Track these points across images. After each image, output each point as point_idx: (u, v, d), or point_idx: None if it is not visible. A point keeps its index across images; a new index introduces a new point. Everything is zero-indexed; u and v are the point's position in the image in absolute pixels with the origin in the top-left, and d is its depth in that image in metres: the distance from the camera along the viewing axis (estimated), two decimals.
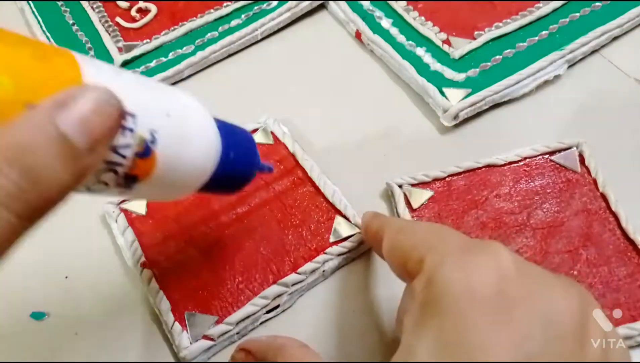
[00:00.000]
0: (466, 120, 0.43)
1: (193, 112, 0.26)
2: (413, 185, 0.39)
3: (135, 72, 0.23)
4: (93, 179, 0.21)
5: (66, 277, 0.37)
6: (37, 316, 0.36)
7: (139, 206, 0.38)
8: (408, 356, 0.23)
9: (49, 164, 0.17)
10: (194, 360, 0.33)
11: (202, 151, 0.26)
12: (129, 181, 0.23)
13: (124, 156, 0.22)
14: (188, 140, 0.25)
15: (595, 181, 0.38)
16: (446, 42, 0.46)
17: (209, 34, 0.49)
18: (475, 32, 0.47)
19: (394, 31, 0.48)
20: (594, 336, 0.22)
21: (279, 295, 0.35)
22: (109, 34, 0.49)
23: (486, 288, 0.22)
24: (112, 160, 0.21)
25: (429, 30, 0.47)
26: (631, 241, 0.36)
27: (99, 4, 0.52)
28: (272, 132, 0.42)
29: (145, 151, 0.22)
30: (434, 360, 0.21)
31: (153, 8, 0.51)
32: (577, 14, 0.47)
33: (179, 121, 0.25)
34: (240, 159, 0.29)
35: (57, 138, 0.18)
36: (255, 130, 0.42)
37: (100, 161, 0.20)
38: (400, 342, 0.24)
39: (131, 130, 0.21)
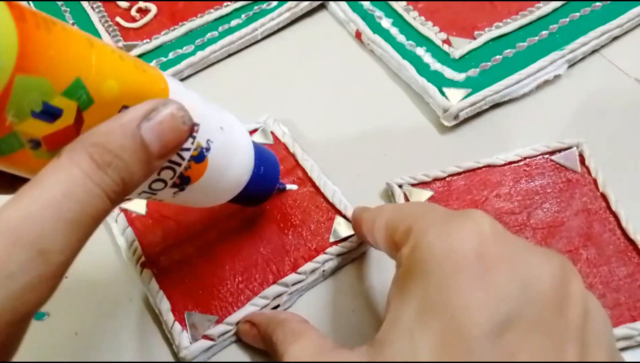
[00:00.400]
0: (466, 120, 0.43)
1: (238, 129, 0.30)
2: (413, 185, 0.39)
3: (194, 91, 0.28)
4: (154, 176, 0.25)
5: (66, 277, 0.37)
6: (37, 316, 0.36)
7: (138, 206, 0.38)
8: (395, 320, 0.24)
9: (133, 166, 0.22)
10: (194, 360, 0.33)
11: (243, 162, 0.30)
12: (183, 182, 0.26)
13: (183, 158, 0.25)
14: (233, 152, 0.29)
15: (595, 181, 0.38)
16: (446, 42, 0.46)
17: (209, 34, 0.49)
18: (475, 32, 0.47)
19: (394, 31, 0.48)
20: (574, 302, 0.23)
21: (279, 295, 0.35)
22: (109, 34, 0.49)
23: (467, 251, 0.23)
24: (173, 160, 0.25)
25: (429, 30, 0.47)
26: (631, 241, 0.36)
27: (99, 4, 0.52)
28: (272, 132, 0.42)
29: (200, 156, 0.26)
30: (419, 322, 0.23)
31: (153, 8, 0.51)
32: (577, 14, 0.47)
33: (229, 135, 0.29)
34: (267, 176, 0.33)
35: (140, 144, 0.22)
36: (255, 130, 0.42)
37: (164, 164, 0.24)
38: (388, 310, 0.25)
39: (194, 137, 0.25)
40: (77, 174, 0.20)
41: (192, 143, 0.25)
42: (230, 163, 0.29)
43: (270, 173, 0.34)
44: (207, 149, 0.26)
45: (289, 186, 0.39)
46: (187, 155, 0.25)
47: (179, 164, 0.25)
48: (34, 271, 0.19)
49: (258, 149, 0.33)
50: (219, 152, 0.27)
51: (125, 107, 0.22)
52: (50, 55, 0.19)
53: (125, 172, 0.21)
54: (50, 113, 0.20)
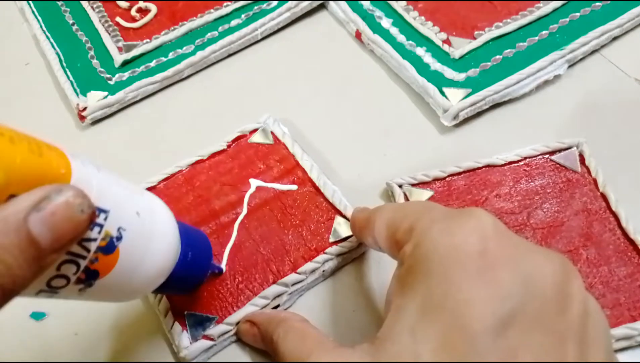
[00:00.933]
0: (466, 120, 0.43)
1: (159, 214, 0.27)
2: (413, 185, 0.39)
3: (110, 171, 0.24)
4: (52, 271, 0.21)
5: None
6: (37, 316, 0.36)
7: None
8: (397, 317, 0.24)
9: (17, 267, 0.19)
10: (194, 360, 0.33)
11: (164, 250, 0.27)
12: (89, 276, 0.23)
13: (88, 250, 0.22)
14: (152, 239, 0.26)
15: (595, 181, 0.38)
16: (446, 42, 0.46)
17: (209, 34, 0.49)
18: (475, 32, 0.47)
19: (394, 31, 0.48)
20: (575, 302, 0.23)
21: (279, 295, 0.35)
22: (109, 34, 0.49)
23: (470, 248, 0.23)
24: (76, 252, 0.22)
25: (429, 30, 0.47)
26: (631, 241, 0.36)
27: (99, 4, 0.52)
28: (272, 132, 0.42)
29: (110, 247, 0.23)
30: (421, 318, 0.23)
31: (153, 8, 0.51)
32: (577, 14, 0.47)
33: (147, 221, 0.25)
34: (196, 260, 0.31)
35: (26, 239, 0.19)
36: (255, 130, 0.42)
37: (62, 257, 0.21)
38: (390, 307, 0.25)
39: (100, 226, 0.22)
40: None
41: (99, 232, 0.22)
42: (148, 252, 0.26)
43: (201, 258, 0.32)
44: (119, 239, 0.23)
45: (283, 186, 0.39)
46: (92, 246, 0.22)
47: (84, 257, 0.22)
48: None
49: (185, 232, 0.30)
50: (134, 240, 0.24)
51: (12, 196, 0.19)
52: None
53: (6, 277, 0.18)
54: None
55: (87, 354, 0.35)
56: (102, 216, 0.22)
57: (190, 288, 0.33)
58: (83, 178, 0.22)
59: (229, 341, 0.34)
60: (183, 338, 0.33)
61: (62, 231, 0.20)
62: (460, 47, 0.46)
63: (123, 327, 0.35)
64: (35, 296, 0.22)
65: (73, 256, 0.22)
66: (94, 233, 0.22)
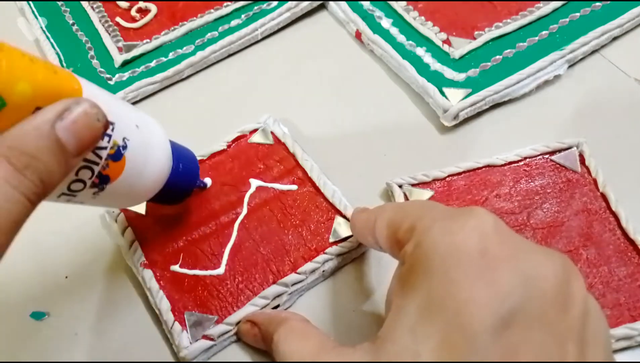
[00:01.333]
0: (466, 120, 0.43)
1: (153, 128, 0.31)
2: (413, 185, 0.39)
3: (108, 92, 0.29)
4: (72, 176, 0.25)
5: (66, 277, 0.38)
6: (37, 316, 0.36)
7: (138, 206, 0.38)
8: (398, 317, 0.24)
9: (51, 166, 0.22)
10: (194, 360, 0.33)
11: (161, 159, 0.31)
12: (102, 181, 0.27)
13: (100, 157, 0.26)
14: (151, 149, 0.30)
15: (595, 181, 0.38)
16: (446, 42, 0.46)
17: (209, 34, 0.49)
18: (475, 32, 0.47)
19: (394, 31, 0.48)
20: (576, 301, 0.23)
21: (279, 295, 0.35)
22: (109, 34, 0.49)
23: (471, 247, 0.23)
24: (90, 159, 0.25)
25: (429, 30, 0.47)
26: (631, 241, 0.36)
27: (99, 4, 0.52)
28: (272, 132, 0.42)
29: (117, 154, 0.27)
30: (422, 317, 0.23)
31: (153, 8, 0.51)
32: (577, 14, 0.47)
33: (145, 133, 0.29)
34: (186, 172, 0.34)
35: (56, 143, 0.22)
36: (255, 130, 0.42)
37: (80, 163, 0.25)
38: (391, 307, 0.25)
39: (109, 136, 0.26)
40: None
41: (109, 142, 0.26)
42: (148, 160, 0.30)
43: (190, 170, 0.35)
44: (124, 147, 0.27)
45: (283, 186, 0.39)
46: (104, 154, 0.26)
47: (97, 164, 0.26)
48: None
49: (175, 146, 0.33)
50: (136, 149, 0.28)
51: (38, 108, 0.22)
52: None
53: (44, 173, 0.22)
54: None
55: (87, 354, 0.35)
56: (110, 127, 0.26)
57: (180, 197, 0.35)
58: (91, 93, 0.25)
59: (228, 341, 0.34)
60: (183, 338, 0.33)
61: (83, 137, 0.23)
62: (460, 47, 0.46)
63: (123, 327, 0.35)
64: (57, 200, 0.26)
65: (88, 163, 0.25)
66: (104, 142, 0.26)
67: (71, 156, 0.23)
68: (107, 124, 0.25)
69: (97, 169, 0.26)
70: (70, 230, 0.39)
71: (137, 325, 0.36)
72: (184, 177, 0.34)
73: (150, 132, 0.30)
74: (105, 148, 0.26)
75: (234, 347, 0.34)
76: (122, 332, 0.35)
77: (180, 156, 0.34)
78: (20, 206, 0.21)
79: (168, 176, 0.32)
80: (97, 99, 0.24)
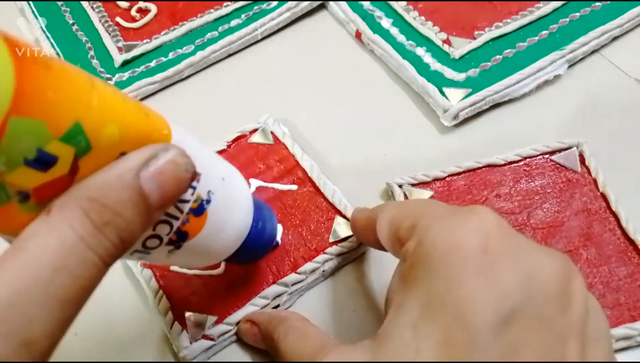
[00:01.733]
0: (466, 120, 0.43)
1: (238, 181, 0.28)
2: (413, 185, 0.39)
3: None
4: (149, 231, 0.22)
5: None
6: None
7: None
8: (398, 314, 0.24)
9: (133, 223, 0.19)
10: (194, 360, 0.33)
11: (243, 215, 0.28)
12: (179, 238, 0.24)
13: (181, 211, 0.23)
14: (234, 204, 0.27)
15: (595, 181, 0.38)
16: (446, 42, 0.46)
17: (209, 34, 0.49)
18: (476, 32, 0.47)
19: (394, 31, 0.48)
20: (576, 300, 0.23)
21: (279, 295, 0.35)
22: (109, 34, 0.49)
23: (473, 245, 0.23)
24: (171, 213, 0.22)
25: (429, 30, 0.47)
26: (631, 241, 0.36)
27: (99, 4, 0.52)
28: (272, 132, 0.42)
29: (200, 209, 0.24)
30: (423, 314, 0.23)
31: (153, 8, 0.51)
32: (577, 14, 0.47)
33: (230, 187, 0.27)
34: (266, 231, 0.31)
35: (139, 195, 0.19)
36: (255, 130, 0.42)
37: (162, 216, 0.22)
38: (392, 304, 0.25)
39: (194, 188, 0.23)
40: (70, 239, 0.18)
41: (192, 194, 0.23)
42: (230, 218, 0.27)
43: (268, 229, 0.32)
44: (208, 202, 0.24)
45: (283, 186, 0.39)
46: (186, 207, 0.23)
47: (177, 218, 0.23)
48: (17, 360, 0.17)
49: (256, 202, 0.31)
50: (219, 205, 0.25)
51: (123, 153, 0.20)
52: (49, 95, 0.17)
53: (125, 231, 0.19)
54: (44, 161, 0.17)
55: (87, 354, 0.35)
56: (197, 178, 0.23)
57: (257, 256, 0.34)
58: (180, 139, 0.23)
59: (228, 341, 0.34)
60: (183, 338, 0.33)
61: (168, 189, 0.20)
62: (460, 47, 0.46)
63: (123, 327, 0.35)
64: (130, 257, 0.23)
65: (168, 217, 0.22)
66: (187, 195, 0.23)
67: (153, 209, 0.20)
68: (195, 175, 0.22)
69: (176, 224, 0.23)
70: None
71: (137, 324, 0.36)
72: (262, 237, 0.31)
73: (234, 186, 0.27)
74: (188, 202, 0.23)
75: (234, 347, 0.34)
76: (122, 331, 0.35)
77: (260, 212, 0.31)
78: (96, 270, 0.19)
79: (247, 236, 0.29)
80: (185, 146, 0.22)
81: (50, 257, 0.17)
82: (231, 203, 0.27)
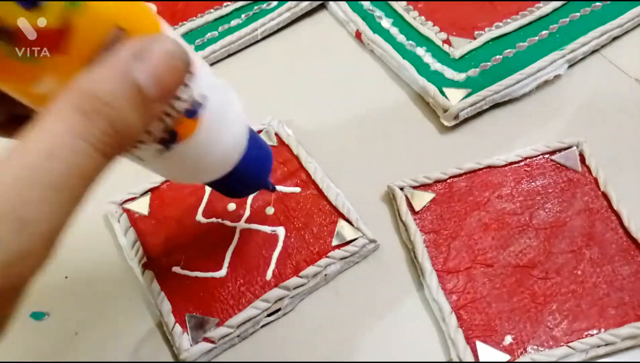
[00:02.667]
0: (466, 120, 0.43)
1: (235, 100, 0.27)
2: (414, 187, 0.39)
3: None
4: None
5: (66, 277, 0.37)
6: (37, 316, 0.36)
7: (141, 207, 0.38)
8: None
9: (127, 114, 0.19)
10: (195, 362, 0.33)
11: (237, 136, 0.27)
12: (170, 138, 0.23)
13: (174, 108, 0.22)
14: (228, 120, 0.26)
15: (596, 180, 0.38)
16: (446, 42, 0.46)
17: (208, 34, 0.49)
18: (476, 32, 0.47)
19: (394, 31, 0.47)
20: None
21: (281, 299, 0.35)
22: None
23: None
24: (164, 110, 0.22)
25: (429, 30, 0.47)
26: (634, 240, 0.36)
27: None
28: (276, 134, 0.41)
29: (193, 111, 0.23)
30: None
31: (153, 8, 0.50)
32: (578, 14, 0.47)
33: (225, 98, 0.26)
34: (259, 162, 0.30)
35: (134, 89, 0.19)
36: (259, 131, 0.42)
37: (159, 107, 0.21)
38: None
39: (188, 86, 0.22)
40: (60, 129, 0.18)
41: (185, 93, 0.22)
42: (223, 130, 0.26)
43: (263, 161, 0.31)
44: (201, 106, 0.24)
45: (286, 189, 0.38)
46: (179, 105, 0.22)
47: (169, 115, 0.22)
48: (17, 243, 0.17)
49: (253, 133, 0.29)
50: (213, 115, 0.24)
51: (119, 29, 0.19)
52: None
53: (118, 122, 0.19)
54: None
55: (87, 354, 0.35)
56: (190, 77, 0.22)
57: (245, 189, 0.32)
58: (170, 31, 0.22)
59: (229, 344, 0.34)
60: (183, 341, 0.33)
61: (165, 80, 0.20)
62: (460, 47, 0.46)
63: (123, 328, 0.35)
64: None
65: (162, 113, 0.22)
66: (181, 93, 0.22)
67: (150, 101, 0.20)
68: (190, 65, 0.21)
69: (169, 121, 0.22)
70: (72, 229, 0.38)
71: (138, 326, 0.35)
72: (255, 166, 0.30)
73: (230, 102, 0.26)
74: (181, 100, 0.22)
75: (235, 349, 0.34)
76: (122, 332, 0.35)
77: (257, 142, 0.30)
78: (88, 158, 0.18)
79: (240, 159, 0.28)
80: (177, 38, 0.21)
81: (42, 146, 0.18)
82: (225, 117, 0.26)
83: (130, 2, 0.20)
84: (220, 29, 0.49)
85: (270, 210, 0.38)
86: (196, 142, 0.24)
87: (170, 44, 0.20)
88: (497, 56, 0.45)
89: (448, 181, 0.39)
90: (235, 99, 0.27)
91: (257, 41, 0.50)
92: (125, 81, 0.19)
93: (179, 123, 0.23)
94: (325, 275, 0.36)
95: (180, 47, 0.20)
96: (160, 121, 0.22)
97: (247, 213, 0.38)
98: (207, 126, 0.24)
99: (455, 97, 0.42)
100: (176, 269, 0.36)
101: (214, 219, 0.38)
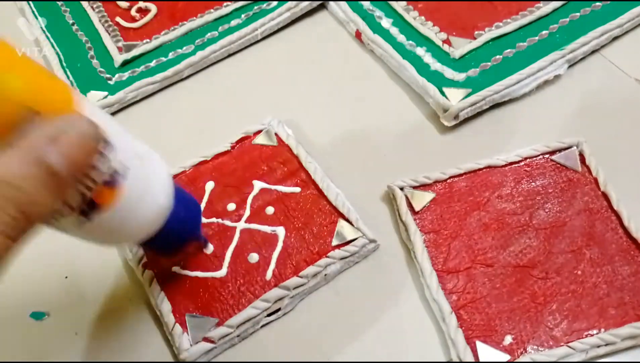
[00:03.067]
0: (466, 120, 0.43)
1: (158, 164, 0.28)
2: (414, 187, 0.39)
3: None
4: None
5: (66, 277, 0.37)
6: (37, 316, 0.36)
7: None
8: None
9: (37, 197, 0.19)
10: (195, 362, 0.33)
11: (160, 198, 0.28)
12: (91, 208, 0.24)
13: (94, 181, 0.23)
14: (151, 186, 0.27)
15: (596, 180, 0.38)
16: (446, 42, 0.46)
17: (209, 34, 0.49)
18: (476, 32, 0.47)
19: (394, 31, 0.47)
20: None
21: (281, 298, 0.35)
22: (109, 34, 0.49)
23: None
24: (84, 182, 0.22)
25: (429, 30, 0.47)
26: (634, 240, 0.36)
27: (99, 4, 0.52)
28: (275, 134, 0.41)
29: (113, 181, 0.24)
30: None
31: (153, 8, 0.50)
32: (577, 14, 0.47)
33: (148, 167, 0.27)
34: (188, 220, 0.31)
35: (46, 171, 0.19)
36: (259, 131, 0.42)
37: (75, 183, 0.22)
38: None
39: (107, 159, 0.23)
40: None
41: (105, 165, 0.23)
42: (146, 196, 0.26)
43: (190, 219, 0.32)
44: (123, 176, 0.24)
45: (286, 189, 0.38)
46: (98, 178, 0.23)
47: (89, 188, 0.22)
48: None
49: (181, 192, 0.30)
50: (136, 182, 0.25)
51: (30, 110, 0.20)
52: None
53: (27, 205, 0.19)
54: None
55: (87, 354, 0.35)
56: (109, 148, 0.23)
57: (174, 248, 0.33)
58: (92, 113, 0.23)
59: (229, 344, 0.34)
60: (183, 341, 0.33)
61: (77, 159, 0.20)
62: (460, 47, 0.46)
63: (123, 328, 0.35)
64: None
65: (79, 186, 0.22)
66: (101, 165, 0.23)
67: (63, 180, 0.20)
68: (105, 144, 0.22)
69: (88, 194, 0.23)
70: None
71: (138, 326, 0.35)
72: (182, 225, 0.31)
73: (152, 167, 0.27)
74: (100, 172, 0.23)
75: (235, 349, 0.34)
76: (122, 332, 0.35)
77: (184, 202, 0.30)
78: None
79: (166, 220, 0.29)
80: (96, 119, 0.22)
81: None
82: (147, 183, 0.26)
83: (42, 82, 0.21)
84: (220, 29, 0.49)
85: (270, 210, 0.38)
86: (118, 211, 0.25)
87: (85, 125, 0.21)
88: (497, 56, 0.45)
89: (448, 181, 0.39)
90: (159, 163, 0.28)
91: (257, 41, 0.50)
92: (38, 164, 0.19)
93: (99, 194, 0.23)
94: (325, 274, 0.36)
95: (93, 127, 0.21)
96: (79, 193, 0.22)
97: (247, 213, 0.38)
98: (129, 195, 0.25)
99: (455, 97, 0.42)
100: (176, 269, 0.36)
101: (214, 219, 0.38)
